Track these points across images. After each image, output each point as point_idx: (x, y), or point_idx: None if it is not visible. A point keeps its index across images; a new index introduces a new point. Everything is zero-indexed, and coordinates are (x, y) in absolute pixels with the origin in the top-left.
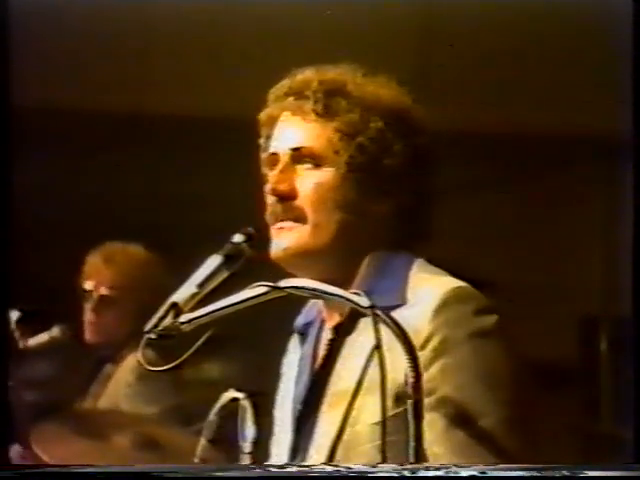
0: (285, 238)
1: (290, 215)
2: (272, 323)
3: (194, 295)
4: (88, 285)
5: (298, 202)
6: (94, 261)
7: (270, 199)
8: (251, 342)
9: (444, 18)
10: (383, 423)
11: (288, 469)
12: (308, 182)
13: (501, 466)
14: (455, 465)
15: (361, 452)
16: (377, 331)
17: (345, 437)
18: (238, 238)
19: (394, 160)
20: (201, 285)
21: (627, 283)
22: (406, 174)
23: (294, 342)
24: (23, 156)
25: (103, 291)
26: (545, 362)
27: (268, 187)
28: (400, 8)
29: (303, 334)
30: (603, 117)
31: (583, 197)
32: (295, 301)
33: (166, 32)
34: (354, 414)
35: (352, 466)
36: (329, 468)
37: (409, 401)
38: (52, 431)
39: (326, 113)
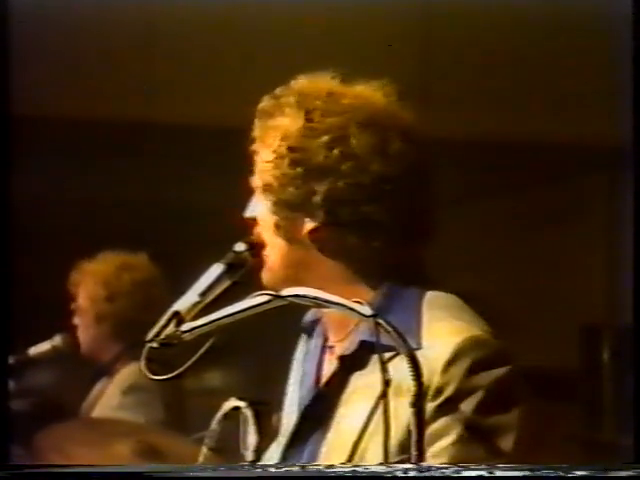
0: (264, 265)
1: (260, 242)
2: (274, 332)
3: (196, 304)
4: (74, 301)
5: (260, 229)
6: (78, 276)
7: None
8: (253, 351)
9: (443, 24)
10: (385, 432)
11: (288, 469)
12: (260, 210)
13: (500, 466)
14: (459, 465)
15: None
16: (379, 341)
17: None
18: (240, 247)
19: (296, 184)
20: (203, 294)
21: (629, 292)
22: (323, 191)
23: (302, 341)
24: (22, 164)
25: (82, 304)
26: (548, 371)
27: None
28: (397, 14)
29: (310, 331)
30: (603, 126)
31: (584, 206)
32: (297, 310)
33: (167, 41)
34: (357, 455)
35: (359, 467)
36: (340, 468)
37: (411, 410)
38: (52, 439)
39: (259, 139)
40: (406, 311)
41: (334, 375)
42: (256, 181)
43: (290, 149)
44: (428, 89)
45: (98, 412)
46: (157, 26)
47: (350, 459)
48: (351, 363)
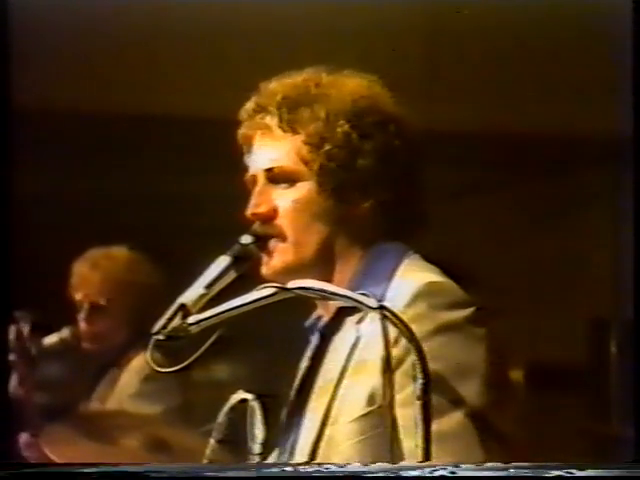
0: (271, 257)
1: (272, 234)
2: (280, 324)
3: (202, 296)
4: (78, 294)
5: (278, 221)
6: (80, 269)
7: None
8: (259, 343)
9: (443, 19)
10: (389, 422)
11: (288, 469)
12: (285, 200)
13: (488, 465)
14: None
15: (340, 450)
16: (385, 331)
17: (326, 435)
18: (246, 239)
19: (366, 161)
20: (209, 286)
21: (632, 285)
22: (383, 172)
23: (312, 341)
24: (23, 158)
25: (93, 299)
26: (554, 364)
27: (248, 210)
28: (400, 9)
29: (312, 330)
30: (603, 119)
31: (588, 199)
32: (302, 302)
33: (167, 32)
34: (334, 413)
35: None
36: (310, 467)
37: (418, 402)
38: (61, 433)
39: (291, 128)
40: (383, 269)
41: (317, 347)
42: (292, 167)
43: (353, 127)
44: (428, 83)
45: (113, 403)
46: (159, 20)
47: (326, 415)
48: (331, 330)
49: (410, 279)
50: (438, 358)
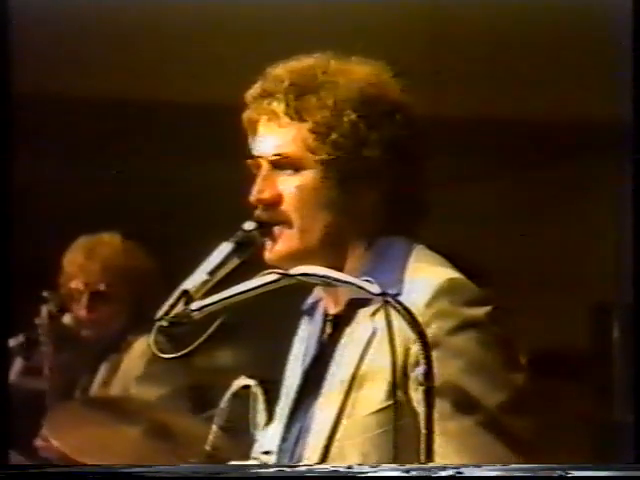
0: (275, 243)
1: (276, 220)
2: (283, 310)
3: (205, 282)
4: (76, 282)
5: (283, 207)
6: (77, 257)
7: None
8: (262, 329)
9: (449, 10)
10: (395, 406)
11: (288, 469)
12: (290, 187)
13: (497, 466)
14: (436, 466)
15: (355, 444)
16: (388, 318)
17: (340, 429)
18: (249, 226)
19: (372, 151)
20: (212, 272)
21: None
22: (388, 162)
23: (304, 323)
24: (23, 145)
25: (93, 286)
26: (557, 350)
27: (252, 196)
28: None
29: (310, 314)
30: (604, 108)
31: (589, 185)
32: (306, 288)
33: (171, 20)
34: (349, 406)
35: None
36: (319, 467)
37: (420, 388)
38: (65, 419)
39: (298, 115)
40: (392, 263)
41: (329, 336)
42: (298, 154)
43: (361, 117)
44: (432, 71)
45: (117, 387)
46: (160, 6)
47: (342, 408)
48: (342, 321)
49: (427, 275)
50: (461, 354)
